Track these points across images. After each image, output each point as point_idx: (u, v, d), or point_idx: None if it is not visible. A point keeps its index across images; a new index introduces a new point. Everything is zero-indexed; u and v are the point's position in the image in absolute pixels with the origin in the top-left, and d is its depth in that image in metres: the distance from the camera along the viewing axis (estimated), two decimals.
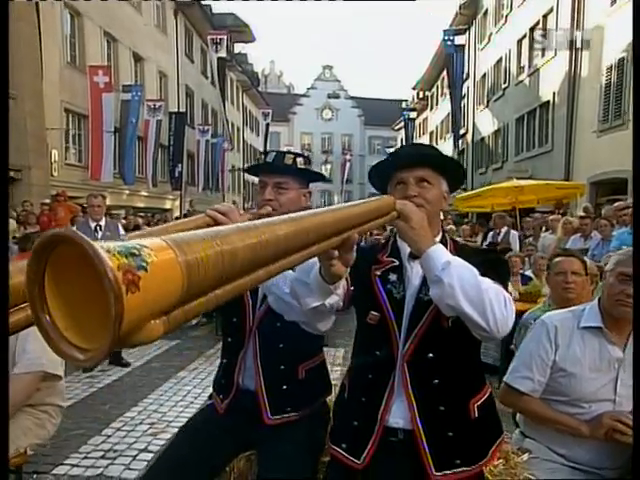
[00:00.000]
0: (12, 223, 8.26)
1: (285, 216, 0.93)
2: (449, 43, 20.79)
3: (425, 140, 36.53)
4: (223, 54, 20.00)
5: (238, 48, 32.19)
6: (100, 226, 5.75)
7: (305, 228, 0.94)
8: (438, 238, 1.56)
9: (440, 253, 1.32)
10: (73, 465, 3.27)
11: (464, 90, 22.71)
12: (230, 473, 1.80)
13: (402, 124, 35.97)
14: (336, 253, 1.13)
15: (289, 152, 1.84)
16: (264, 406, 1.76)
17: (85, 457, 3.38)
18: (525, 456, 1.75)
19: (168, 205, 21.25)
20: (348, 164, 46.30)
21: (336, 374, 5.39)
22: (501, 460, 1.74)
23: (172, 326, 0.67)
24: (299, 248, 0.95)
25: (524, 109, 17.98)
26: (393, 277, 1.53)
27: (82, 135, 15.39)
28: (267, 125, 33.37)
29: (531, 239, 8.20)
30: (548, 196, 11.78)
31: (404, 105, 39.68)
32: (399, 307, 1.50)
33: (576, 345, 1.91)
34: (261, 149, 36.66)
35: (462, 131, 24.45)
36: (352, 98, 50.64)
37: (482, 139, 23.22)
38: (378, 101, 50.57)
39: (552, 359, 1.92)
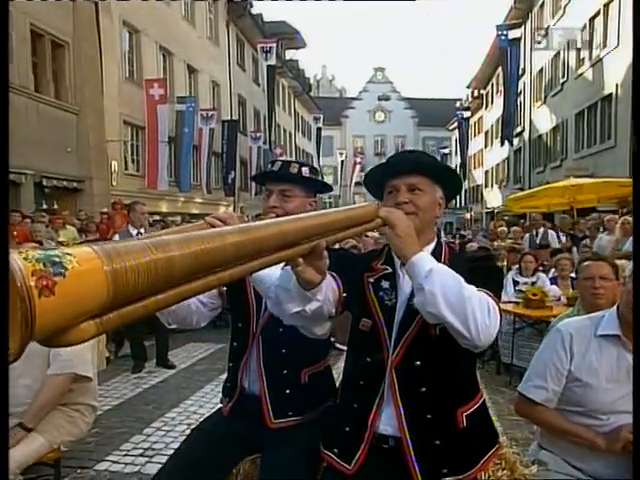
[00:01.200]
0: (73, 231, 8.79)
1: (237, 226, 0.97)
2: (503, 38, 20.15)
3: (481, 139, 35.63)
4: (273, 62, 20.37)
5: (289, 55, 32.72)
6: (141, 233, 5.91)
7: (258, 237, 0.97)
8: (432, 245, 1.55)
9: (424, 261, 1.31)
10: (113, 462, 3.44)
11: (520, 86, 21.95)
12: (236, 475, 1.85)
13: (456, 124, 35.17)
14: (300, 260, 1.16)
15: (295, 161, 1.87)
16: (267, 410, 1.79)
17: (125, 455, 3.55)
18: (534, 468, 1.69)
19: (222, 211, 21.85)
20: None
21: None
22: (506, 471, 1.69)
23: (106, 328, 0.73)
24: (253, 256, 0.98)
25: (584, 103, 17.17)
26: (386, 284, 1.53)
27: (140, 146, 16.13)
28: (318, 129, 33.62)
29: (587, 241, 7.81)
30: (609, 195, 11.14)
31: (458, 104, 38.87)
32: (390, 314, 1.50)
33: (592, 354, 1.82)
34: (313, 153, 37.02)
35: (518, 129, 23.67)
36: (405, 99, 50.16)
37: (539, 137, 22.36)
38: (432, 101, 49.82)
39: (567, 368, 1.84)
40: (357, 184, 44.01)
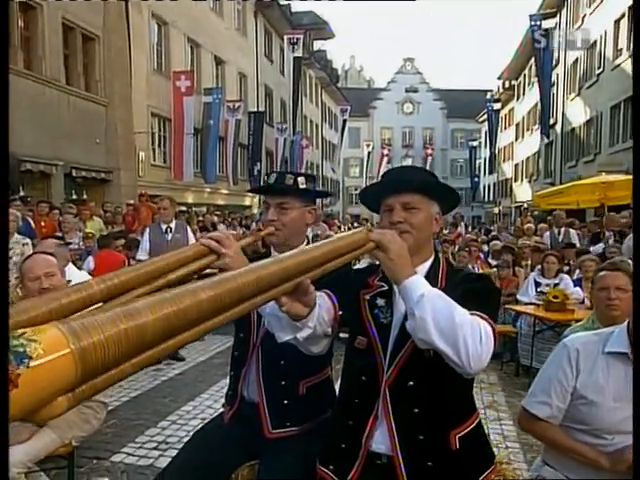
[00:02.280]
0: (100, 222, 8.99)
1: (210, 280, 0.97)
2: (536, 28, 19.61)
3: (511, 132, 34.88)
4: (299, 54, 20.30)
5: (317, 45, 32.55)
6: (170, 228, 6.00)
7: (235, 287, 0.98)
8: (429, 262, 1.53)
9: (416, 285, 1.29)
10: (128, 454, 3.53)
11: (553, 78, 21.36)
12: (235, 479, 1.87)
13: (486, 116, 34.51)
14: (284, 300, 1.19)
15: (290, 172, 1.88)
16: (265, 420, 1.81)
17: (140, 447, 3.64)
18: None
19: (247, 202, 22.01)
20: (429, 158, 45.26)
21: None
22: None
23: (78, 399, 0.77)
24: (231, 306, 0.98)
25: (621, 96, 16.56)
26: (381, 302, 1.51)
27: (167, 137, 16.34)
28: (344, 121, 33.41)
29: (612, 241, 7.57)
30: None
31: (489, 96, 38.09)
32: (386, 332, 1.48)
33: (599, 371, 1.77)
34: (338, 145, 36.86)
35: (551, 121, 23.04)
36: (434, 90, 49.36)
37: (572, 130, 21.74)
38: (462, 92, 48.86)
39: (572, 385, 1.79)
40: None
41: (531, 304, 5.40)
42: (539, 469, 1.93)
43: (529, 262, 7.09)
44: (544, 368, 1.92)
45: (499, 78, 36.04)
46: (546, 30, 19.14)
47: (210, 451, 1.84)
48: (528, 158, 30.00)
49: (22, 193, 10.47)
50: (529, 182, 29.09)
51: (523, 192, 30.49)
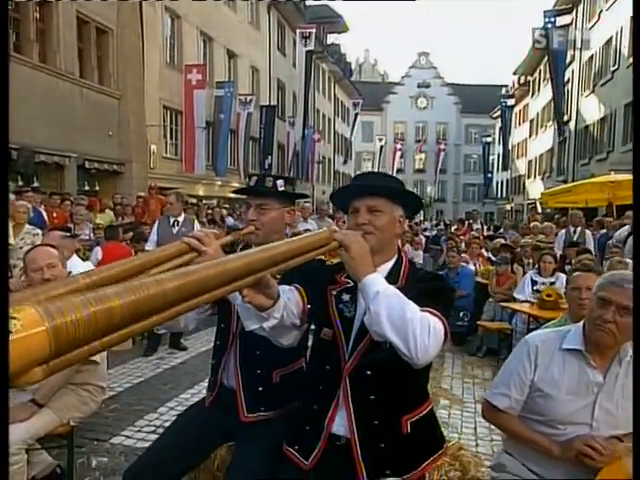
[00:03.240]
0: (110, 214, 9.20)
1: (176, 272, 1.10)
2: (550, 25, 19.41)
3: (525, 128, 34.56)
4: (311, 47, 20.33)
5: (331, 39, 32.49)
6: (177, 221, 6.13)
7: (199, 278, 1.11)
8: (392, 262, 1.66)
9: (373, 282, 1.41)
10: (127, 437, 3.71)
11: (568, 74, 21.16)
12: (214, 459, 2.02)
13: (500, 112, 34.24)
14: (245, 292, 1.31)
15: (269, 175, 2.00)
16: (241, 404, 1.94)
17: (139, 431, 3.81)
18: (487, 469, 1.78)
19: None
20: (442, 154, 45.08)
21: None
22: (458, 473, 1.79)
23: (53, 370, 0.89)
24: (197, 294, 1.11)
25: None
26: (346, 297, 1.64)
27: (178, 130, 16.54)
28: (356, 115, 33.40)
29: (614, 240, 7.58)
30: None
31: (504, 91, 37.77)
32: (349, 326, 1.61)
33: (555, 366, 1.88)
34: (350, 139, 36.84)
35: (565, 118, 22.83)
36: (448, 85, 49.02)
37: (586, 127, 21.53)
38: (476, 87, 48.53)
39: (530, 378, 1.90)
40: (398, 171, 43.74)
41: (527, 302, 5.48)
42: (499, 457, 2.05)
43: (530, 260, 7.15)
44: (506, 362, 2.04)
45: (514, 73, 35.67)
46: (560, 27, 18.96)
47: (191, 433, 1.99)
48: (542, 155, 29.76)
49: (36, 184, 10.74)
50: (542, 179, 28.89)
51: (536, 189, 30.24)
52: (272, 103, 22.01)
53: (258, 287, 1.34)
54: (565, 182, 20.89)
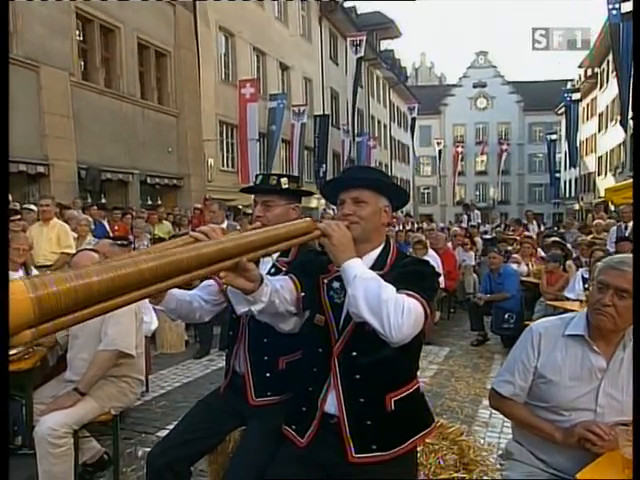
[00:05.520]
0: (168, 225, 9.71)
1: (153, 254, 1.23)
2: (614, 12, 18.43)
3: (594, 123, 32.85)
4: (361, 54, 20.47)
5: (385, 45, 32.51)
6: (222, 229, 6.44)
7: (174, 260, 1.24)
8: (379, 249, 1.73)
9: (352, 267, 1.51)
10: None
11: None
12: (229, 442, 2.15)
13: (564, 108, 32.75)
14: (223, 274, 1.42)
15: (273, 174, 2.13)
16: (250, 389, 2.07)
17: None
18: (484, 454, 1.79)
19: (314, 204, 22.43)
20: (505, 154, 43.71)
21: (430, 371, 5.44)
22: (454, 456, 1.81)
23: (41, 334, 1.04)
24: (171, 275, 1.24)
25: None
26: (336, 285, 1.73)
27: (234, 143, 17.14)
28: (413, 119, 33.13)
29: None
30: None
31: (569, 85, 36.12)
32: (339, 311, 1.70)
33: (558, 352, 1.86)
34: (409, 144, 36.53)
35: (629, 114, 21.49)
36: (509, 83, 47.51)
37: None
38: (539, 83, 46.68)
39: (534, 365, 1.89)
40: (459, 174, 42.88)
41: (578, 300, 5.26)
42: (508, 445, 2.03)
43: (588, 259, 6.85)
44: (512, 351, 2.03)
45: (580, 66, 34.04)
46: (625, 14, 17.95)
47: (208, 417, 2.13)
48: (612, 150, 28.14)
49: (103, 200, 11.53)
50: (613, 175, 27.29)
51: (607, 186, 28.63)
52: (325, 112, 22.30)
53: (238, 270, 1.44)
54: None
